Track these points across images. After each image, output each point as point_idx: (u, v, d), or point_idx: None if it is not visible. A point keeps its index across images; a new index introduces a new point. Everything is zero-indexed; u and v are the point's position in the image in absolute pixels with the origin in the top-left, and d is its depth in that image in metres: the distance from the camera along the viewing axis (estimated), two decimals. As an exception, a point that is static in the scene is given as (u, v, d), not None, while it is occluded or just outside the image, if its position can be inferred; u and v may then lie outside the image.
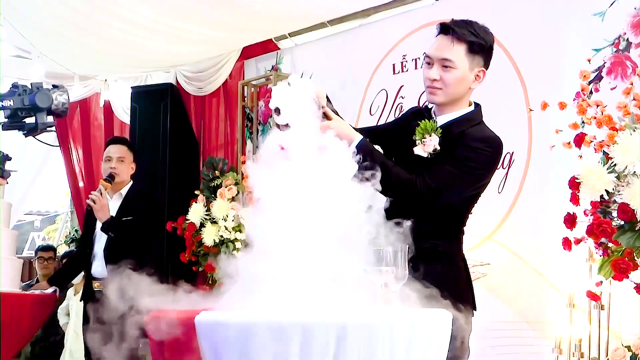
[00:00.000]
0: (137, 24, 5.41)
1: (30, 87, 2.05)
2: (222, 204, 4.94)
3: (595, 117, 2.97)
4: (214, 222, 4.95)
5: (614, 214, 2.75)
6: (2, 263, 4.62)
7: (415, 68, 4.64)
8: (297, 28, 5.52)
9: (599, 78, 3.61)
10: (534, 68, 3.99)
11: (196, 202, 5.12)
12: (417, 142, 2.39)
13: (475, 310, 2.45)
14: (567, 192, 2.93)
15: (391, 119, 4.59)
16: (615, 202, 2.76)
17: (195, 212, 5.05)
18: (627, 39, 3.57)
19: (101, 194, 4.28)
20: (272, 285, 1.86)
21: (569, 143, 3.07)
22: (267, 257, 1.92)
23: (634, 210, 2.67)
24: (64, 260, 6.21)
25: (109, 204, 4.34)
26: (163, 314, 1.90)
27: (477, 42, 2.37)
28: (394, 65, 4.81)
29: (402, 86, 4.73)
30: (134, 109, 6.00)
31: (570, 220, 2.93)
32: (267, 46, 5.82)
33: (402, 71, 4.76)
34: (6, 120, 2.19)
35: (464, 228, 2.48)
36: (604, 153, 2.82)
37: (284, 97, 2.10)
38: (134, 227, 4.31)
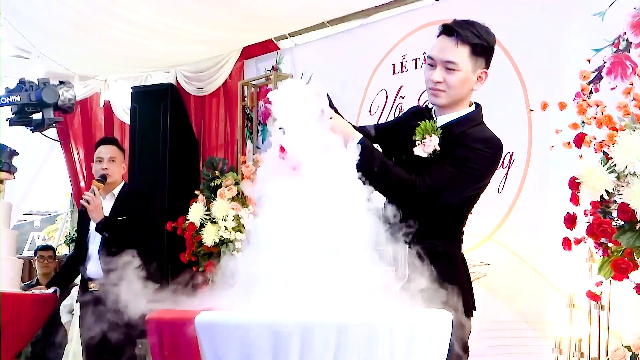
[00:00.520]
0: (137, 24, 5.41)
1: (37, 83, 2.06)
2: (222, 204, 4.94)
3: (595, 117, 2.97)
4: (214, 222, 4.95)
5: (614, 214, 2.75)
6: (2, 263, 4.62)
7: (415, 68, 4.64)
8: (297, 28, 5.52)
9: (599, 78, 3.61)
10: (534, 68, 3.99)
11: (196, 202, 5.12)
12: (417, 142, 2.39)
13: (475, 310, 2.45)
14: (567, 192, 2.93)
15: (391, 119, 4.59)
16: (615, 202, 2.76)
17: (195, 212, 5.05)
18: (627, 39, 3.57)
19: (95, 194, 4.28)
20: (272, 285, 1.86)
21: (569, 143, 3.07)
22: (268, 257, 1.92)
23: (634, 210, 2.67)
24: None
25: (102, 204, 4.34)
26: (163, 314, 1.90)
27: (480, 43, 2.36)
28: (394, 65, 4.81)
29: (402, 86, 4.73)
30: (134, 109, 6.00)
31: (570, 220, 2.93)
32: (267, 46, 5.82)
33: (402, 71, 4.76)
34: (13, 115, 2.20)
35: (464, 228, 2.48)
36: (604, 153, 2.82)
37: (282, 102, 2.10)
38: (129, 226, 4.31)
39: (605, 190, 2.76)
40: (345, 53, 5.13)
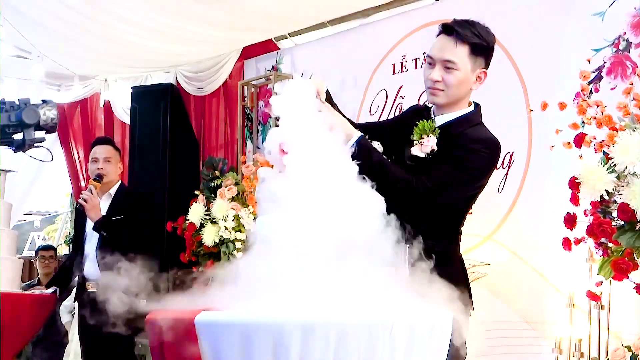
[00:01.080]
0: (137, 24, 5.41)
1: (17, 103, 2.06)
2: (222, 204, 4.94)
3: (595, 117, 2.97)
4: (214, 222, 4.95)
5: (614, 214, 2.75)
6: (2, 263, 4.62)
7: (415, 68, 4.64)
8: (297, 28, 5.52)
9: (599, 78, 3.61)
10: (534, 68, 3.99)
11: (196, 202, 5.11)
12: (414, 142, 2.39)
13: (473, 309, 2.44)
14: (567, 192, 2.93)
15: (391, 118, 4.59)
16: (615, 202, 2.76)
17: (195, 212, 5.05)
18: (627, 39, 3.57)
19: (92, 193, 4.28)
20: (272, 285, 1.86)
21: (569, 143, 3.07)
22: (268, 258, 1.92)
23: (634, 210, 2.67)
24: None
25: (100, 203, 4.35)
26: (163, 314, 1.90)
27: (480, 43, 2.36)
28: (393, 65, 4.81)
29: (402, 86, 4.73)
30: (134, 109, 6.00)
31: (570, 220, 2.93)
32: (267, 46, 5.82)
33: (402, 71, 4.76)
34: None
35: (462, 228, 2.48)
36: (604, 153, 2.82)
37: (283, 101, 2.10)
38: (126, 226, 4.31)
39: (605, 190, 2.76)
40: (345, 53, 5.13)
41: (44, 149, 2.21)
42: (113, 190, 4.51)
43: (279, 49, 5.75)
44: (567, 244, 2.98)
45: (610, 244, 2.80)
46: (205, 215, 5.02)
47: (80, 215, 4.49)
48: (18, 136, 2.08)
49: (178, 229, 5.16)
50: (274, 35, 5.69)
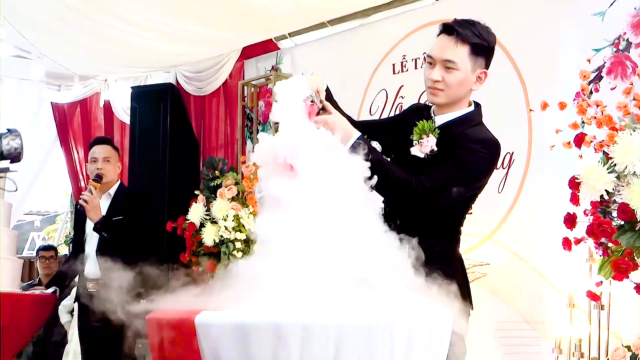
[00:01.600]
0: (137, 24, 5.41)
1: None
2: (222, 204, 4.94)
3: (595, 117, 2.97)
4: (214, 222, 4.95)
5: (614, 214, 2.75)
6: (2, 263, 4.62)
7: (415, 68, 4.64)
8: (297, 28, 5.52)
9: (599, 78, 3.61)
10: (534, 68, 3.99)
11: (196, 202, 5.11)
12: (414, 142, 2.39)
13: (472, 309, 2.44)
14: (567, 192, 2.93)
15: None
16: (615, 202, 2.76)
17: (195, 212, 5.04)
18: (627, 39, 3.57)
19: (92, 193, 4.28)
20: (272, 286, 1.86)
21: (569, 143, 3.07)
22: (268, 258, 1.92)
23: (634, 210, 2.67)
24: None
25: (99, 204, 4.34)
26: (163, 314, 1.90)
27: (480, 43, 2.36)
28: (393, 65, 4.81)
29: (402, 86, 4.73)
30: (134, 109, 5.99)
31: (570, 220, 2.93)
32: (267, 46, 5.82)
33: (402, 71, 4.76)
34: None
35: (462, 228, 2.48)
36: (604, 153, 2.82)
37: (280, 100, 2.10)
38: (126, 226, 4.31)
39: (605, 190, 2.76)
40: (345, 53, 5.13)
41: (9, 179, 2.20)
42: (113, 190, 4.51)
43: (279, 49, 5.75)
44: (567, 244, 2.98)
45: (610, 244, 2.80)
46: (205, 215, 5.02)
47: (80, 216, 4.49)
48: None
49: (178, 229, 5.16)
50: (274, 35, 5.69)
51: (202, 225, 5.00)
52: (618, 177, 2.75)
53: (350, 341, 1.70)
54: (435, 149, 2.36)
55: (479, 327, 3.69)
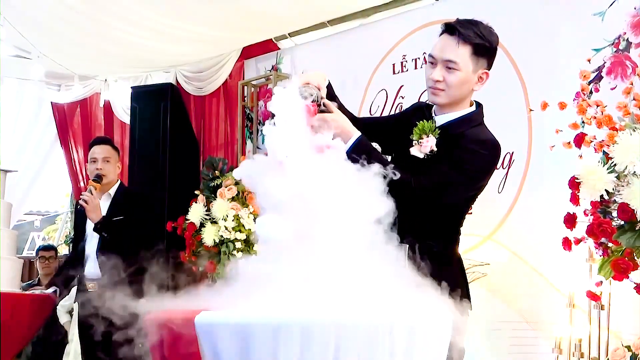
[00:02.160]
0: (137, 24, 5.41)
1: None
2: (222, 204, 4.94)
3: (595, 117, 2.97)
4: (214, 222, 4.95)
5: (614, 214, 2.75)
6: (2, 263, 4.62)
7: (415, 68, 4.64)
8: (297, 28, 5.52)
9: (599, 78, 3.61)
10: (534, 68, 3.99)
11: (196, 202, 5.11)
12: (414, 142, 2.38)
13: (471, 310, 2.44)
14: (567, 192, 2.93)
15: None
16: (615, 202, 2.76)
17: (195, 212, 5.04)
18: (627, 39, 3.57)
19: (92, 194, 4.27)
20: (272, 285, 1.86)
21: (569, 143, 3.07)
22: (268, 258, 1.92)
23: (634, 210, 2.67)
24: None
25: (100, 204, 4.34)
26: (163, 314, 1.90)
27: (482, 44, 2.35)
28: (394, 65, 4.81)
29: (402, 86, 4.73)
30: (134, 109, 6.00)
31: (570, 220, 2.93)
32: (267, 46, 5.82)
33: (402, 71, 4.76)
34: None
35: (461, 228, 2.48)
36: (604, 153, 2.82)
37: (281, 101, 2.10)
38: (126, 226, 4.31)
39: (605, 190, 2.76)
40: (345, 53, 5.13)
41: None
42: (112, 191, 4.51)
43: (279, 49, 5.75)
44: (567, 244, 2.98)
45: (610, 244, 2.80)
46: (205, 215, 5.02)
47: (80, 216, 4.49)
48: None
49: (178, 229, 5.16)
50: (274, 35, 5.69)
51: (202, 225, 5.00)
52: (618, 177, 2.75)
53: (350, 341, 1.70)
54: (435, 149, 2.35)
55: (479, 327, 3.70)
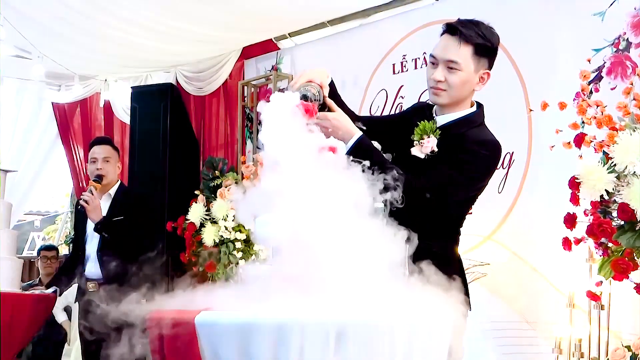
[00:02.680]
0: (137, 24, 5.41)
1: None
2: (222, 204, 4.94)
3: (595, 117, 2.97)
4: (214, 222, 4.95)
5: (614, 214, 2.75)
6: (2, 263, 4.62)
7: (415, 68, 4.64)
8: (297, 28, 5.52)
9: (599, 78, 3.61)
10: (534, 68, 3.99)
11: (196, 202, 5.12)
12: (415, 142, 2.38)
13: (470, 310, 2.44)
14: (567, 192, 2.93)
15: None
16: (615, 202, 2.76)
17: (195, 212, 5.05)
18: (627, 39, 3.57)
19: (92, 194, 4.27)
20: (273, 285, 1.86)
21: (569, 143, 3.07)
22: (267, 258, 1.92)
23: (634, 210, 2.67)
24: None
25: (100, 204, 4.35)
26: (163, 314, 1.90)
27: (484, 44, 2.35)
28: (394, 65, 4.81)
29: (402, 86, 4.73)
30: (134, 109, 6.00)
31: (570, 220, 2.93)
32: (267, 46, 5.82)
33: (402, 71, 4.76)
34: None
35: (461, 229, 2.48)
36: (604, 153, 2.82)
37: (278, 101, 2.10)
38: (127, 227, 4.31)
39: (605, 190, 2.76)
40: (345, 53, 5.13)
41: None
42: (113, 191, 4.50)
43: (279, 49, 5.75)
44: (567, 244, 2.98)
45: (610, 244, 2.80)
46: (205, 215, 5.02)
47: (80, 216, 4.49)
48: None
49: (178, 229, 5.16)
50: (274, 35, 5.69)
51: (202, 225, 5.01)
52: (618, 177, 2.75)
53: (350, 341, 1.70)
54: (436, 149, 2.35)
55: (479, 327, 3.70)
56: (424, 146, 2.35)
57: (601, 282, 3.09)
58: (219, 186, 5.08)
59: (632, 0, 3.57)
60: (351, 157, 2.12)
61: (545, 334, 3.68)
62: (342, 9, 5.15)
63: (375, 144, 2.42)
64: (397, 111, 4.68)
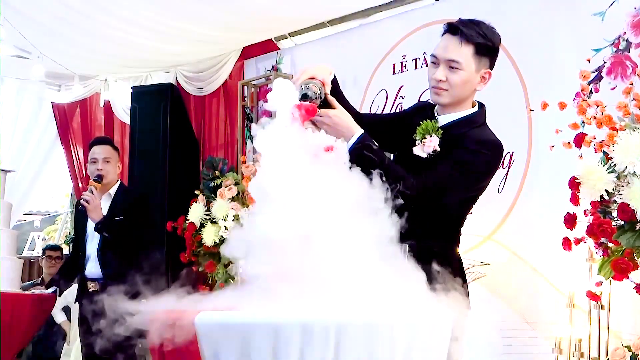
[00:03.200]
0: (137, 24, 5.41)
1: None
2: (222, 204, 4.94)
3: (595, 117, 2.97)
4: (214, 222, 4.95)
5: (614, 214, 2.75)
6: (2, 263, 4.62)
7: (415, 68, 4.64)
8: (297, 28, 5.52)
9: (599, 78, 3.61)
10: (534, 68, 3.99)
11: (196, 202, 5.12)
12: (417, 142, 2.38)
13: (470, 310, 2.44)
14: (567, 192, 2.93)
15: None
16: (615, 202, 2.76)
17: (195, 212, 5.05)
18: (627, 39, 3.57)
19: (93, 194, 4.28)
20: (272, 285, 1.86)
21: (569, 143, 3.07)
22: (267, 257, 1.92)
23: (634, 210, 2.67)
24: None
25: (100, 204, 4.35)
26: (163, 314, 1.90)
27: (485, 43, 2.35)
28: (394, 65, 4.81)
29: (402, 86, 4.73)
30: (134, 109, 6.00)
31: (570, 220, 2.93)
32: (267, 46, 5.82)
33: (402, 71, 4.76)
34: None
35: (462, 229, 2.48)
36: (604, 153, 2.82)
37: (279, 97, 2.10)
38: (127, 227, 4.31)
39: (605, 190, 2.76)
40: (345, 53, 5.13)
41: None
42: (113, 191, 4.51)
43: (279, 49, 5.75)
44: (567, 244, 2.98)
45: (610, 244, 2.80)
46: (205, 215, 5.02)
47: (80, 216, 4.49)
48: None
49: (178, 229, 5.17)
50: (274, 35, 5.69)
51: (202, 225, 5.01)
52: (618, 177, 2.75)
53: (351, 341, 1.70)
54: (438, 149, 2.34)
55: (479, 327, 3.70)
56: (426, 145, 2.35)
57: (601, 282, 3.09)
58: (219, 186, 5.09)
59: (632, 0, 3.57)
60: (351, 157, 2.12)
61: (545, 334, 3.68)
62: (342, 9, 5.15)
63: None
64: (398, 111, 4.68)
